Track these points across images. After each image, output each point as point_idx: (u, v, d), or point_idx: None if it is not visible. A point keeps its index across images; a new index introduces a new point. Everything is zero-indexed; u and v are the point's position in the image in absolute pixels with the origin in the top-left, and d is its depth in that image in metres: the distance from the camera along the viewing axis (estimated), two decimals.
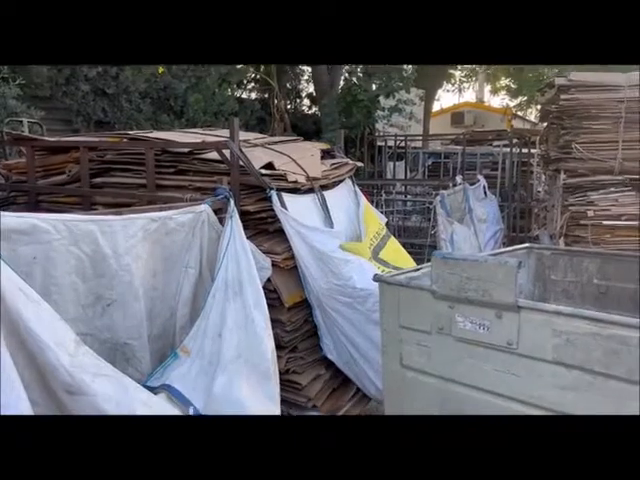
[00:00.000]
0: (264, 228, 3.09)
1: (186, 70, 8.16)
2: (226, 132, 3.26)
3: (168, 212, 2.32)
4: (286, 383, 2.95)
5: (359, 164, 4.39)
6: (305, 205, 3.21)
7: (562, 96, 5.07)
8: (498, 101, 22.00)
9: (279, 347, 2.76)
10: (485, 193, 6.38)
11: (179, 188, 3.13)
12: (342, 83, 10.85)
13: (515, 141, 8.24)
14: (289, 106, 11.91)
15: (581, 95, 5.02)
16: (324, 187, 3.49)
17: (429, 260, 2.25)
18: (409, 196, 8.35)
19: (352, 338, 3.05)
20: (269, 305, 2.39)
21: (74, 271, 1.98)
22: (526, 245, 3.16)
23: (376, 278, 2.42)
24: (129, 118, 7.42)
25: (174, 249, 2.35)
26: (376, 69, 9.84)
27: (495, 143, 9.51)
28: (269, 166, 3.13)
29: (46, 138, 3.94)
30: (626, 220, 4.99)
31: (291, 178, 3.11)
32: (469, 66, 18.60)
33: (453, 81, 20.15)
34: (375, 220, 3.82)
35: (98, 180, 3.44)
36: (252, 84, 11.89)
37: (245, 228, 2.50)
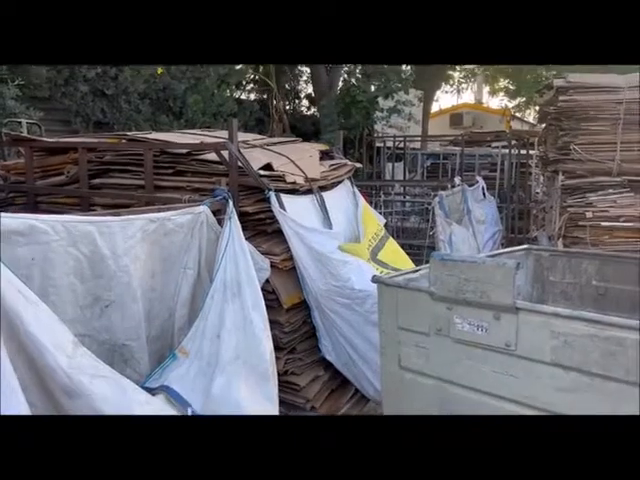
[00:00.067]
0: (263, 229, 3.09)
1: (185, 71, 8.16)
2: (225, 133, 3.26)
3: (167, 213, 2.32)
4: (284, 384, 2.95)
5: (358, 165, 4.39)
6: (304, 206, 3.21)
7: (561, 97, 5.07)
8: (497, 102, 22.04)
9: (278, 348, 2.76)
10: (484, 194, 6.39)
11: (178, 189, 3.13)
12: (341, 84, 10.86)
13: (514, 142, 8.25)
14: (288, 107, 11.92)
15: (579, 96, 5.02)
16: (323, 188, 3.49)
17: (428, 261, 2.26)
18: (408, 197, 8.35)
19: (351, 339, 3.05)
20: (268, 306, 2.39)
21: (72, 272, 1.98)
22: (524, 246, 3.16)
23: (374, 279, 2.42)
24: (128, 119, 7.42)
25: (173, 250, 2.35)
26: (375, 70, 9.84)
27: (494, 144, 9.51)
28: (268, 167, 3.13)
29: (45, 139, 3.94)
30: (624, 221, 5.00)
31: (290, 179, 3.11)
32: (468, 67, 18.62)
33: (452, 82, 20.15)
34: (374, 221, 3.83)
35: (97, 181, 3.44)
36: (251, 85, 11.89)
37: (244, 229, 2.50)
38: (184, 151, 3.18)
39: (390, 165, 10.09)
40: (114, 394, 1.73)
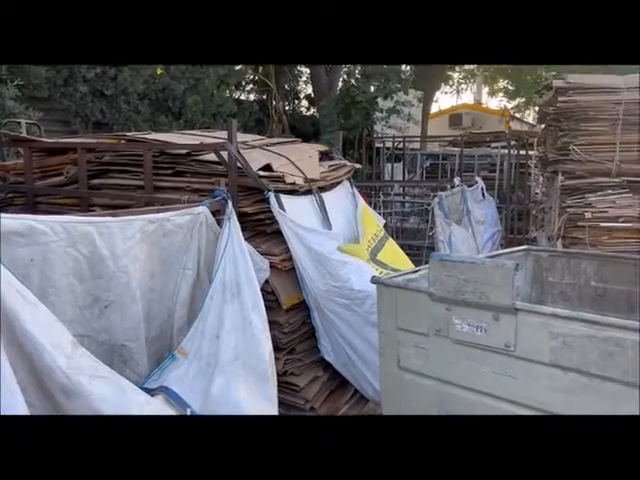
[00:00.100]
0: (262, 230, 3.09)
1: (184, 71, 8.15)
2: (224, 134, 3.26)
3: (166, 214, 2.32)
4: (284, 385, 2.95)
5: (357, 166, 4.39)
6: (303, 207, 3.21)
7: (560, 98, 5.08)
8: (496, 103, 22.02)
9: (277, 349, 2.76)
10: (483, 195, 6.39)
11: (177, 190, 3.13)
12: (340, 85, 10.85)
13: (513, 143, 8.26)
14: (287, 108, 11.91)
15: (579, 97, 5.03)
16: (322, 189, 3.49)
17: (427, 262, 2.26)
18: (407, 198, 8.34)
19: (350, 340, 3.05)
20: (267, 307, 2.39)
21: (71, 273, 1.98)
22: (524, 247, 3.17)
23: (374, 280, 2.43)
24: (127, 119, 7.41)
25: (172, 251, 2.35)
26: (374, 71, 9.84)
27: (493, 145, 9.51)
28: (267, 168, 3.13)
29: (44, 139, 3.94)
30: (623, 222, 5.01)
31: (289, 180, 3.11)
32: (467, 68, 18.62)
33: (451, 83, 20.16)
34: (373, 222, 3.83)
35: (96, 182, 3.44)
36: (250, 86, 11.88)
37: (243, 230, 2.50)
38: (183, 152, 3.18)
39: (389, 166, 10.08)
40: (113, 395, 1.73)
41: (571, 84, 5.03)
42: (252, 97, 11.69)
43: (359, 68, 10.33)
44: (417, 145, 11.38)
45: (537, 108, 7.41)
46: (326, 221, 3.30)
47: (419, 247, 6.03)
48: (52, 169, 3.63)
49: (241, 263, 2.33)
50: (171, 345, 2.36)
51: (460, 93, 21.78)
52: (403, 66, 10.48)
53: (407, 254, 3.94)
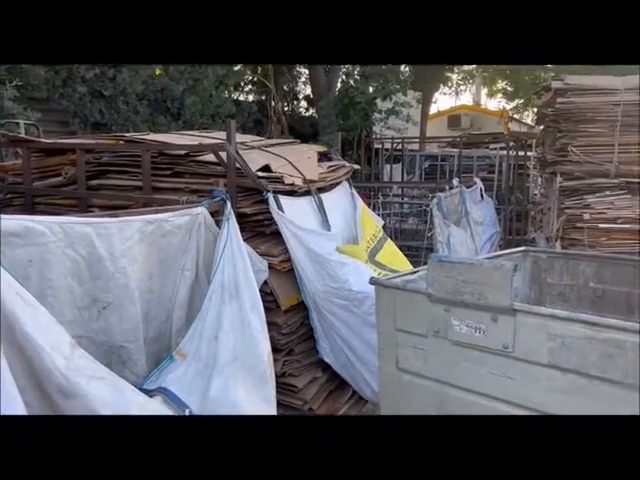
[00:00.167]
0: (261, 230, 3.09)
1: (183, 72, 8.15)
2: (223, 134, 3.26)
3: (164, 214, 2.32)
4: (282, 386, 2.95)
5: (356, 166, 4.40)
6: (302, 208, 3.21)
7: (558, 99, 5.09)
8: (495, 104, 22.04)
9: (275, 350, 2.76)
10: (482, 196, 6.40)
11: (176, 190, 3.13)
12: (339, 85, 10.86)
13: (512, 144, 8.26)
14: (286, 108, 11.91)
15: (577, 98, 5.04)
16: (321, 189, 3.49)
17: (426, 263, 2.26)
18: (406, 199, 8.34)
19: (348, 341, 3.05)
20: (265, 308, 2.39)
21: (70, 273, 1.97)
22: (522, 248, 3.17)
23: (372, 281, 2.42)
24: (126, 120, 7.40)
25: (170, 251, 2.35)
26: (373, 71, 9.84)
27: (492, 146, 9.53)
28: (266, 168, 3.13)
29: (42, 140, 3.94)
30: (622, 223, 5.01)
31: (288, 180, 3.11)
32: (466, 69, 18.64)
33: (450, 84, 20.17)
34: (372, 222, 3.83)
35: (94, 182, 3.43)
36: (249, 86, 11.88)
37: (242, 230, 2.50)
38: (182, 152, 3.18)
39: (388, 167, 10.08)
40: (112, 396, 1.73)
41: (569, 85, 5.04)
42: (251, 98, 11.69)
43: (358, 69, 10.34)
44: (416, 146, 11.38)
45: (536, 109, 7.42)
46: (325, 222, 3.30)
47: (418, 248, 6.03)
48: (51, 170, 3.62)
49: (240, 264, 2.33)
50: (169, 346, 2.35)
51: (459, 94, 21.79)
52: (402, 67, 10.50)
53: (406, 255, 3.94)
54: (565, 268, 2.95)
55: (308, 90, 12.22)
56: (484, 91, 22.33)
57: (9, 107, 5.42)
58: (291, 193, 3.14)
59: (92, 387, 1.67)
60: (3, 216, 1.75)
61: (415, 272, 2.56)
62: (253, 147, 3.47)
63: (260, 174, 3.03)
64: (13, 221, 1.79)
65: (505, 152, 8.22)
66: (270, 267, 2.87)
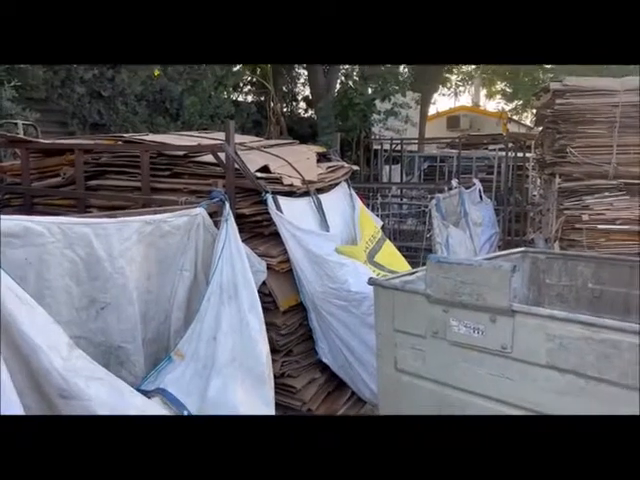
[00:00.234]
0: (259, 231, 3.09)
1: (182, 73, 8.15)
2: (222, 135, 3.26)
3: (163, 215, 2.32)
4: (281, 387, 2.95)
5: (355, 167, 4.39)
6: (301, 208, 3.21)
7: (557, 100, 5.09)
8: (494, 105, 22.07)
9: (274, 351, 2.76)
10: (480, 197, 6.40)
11: (174, 191, 3.13)
12: (338, 86, 10.86)
13: (510, 145, 8.26)
14: (285, 109, 11.92)
15: (576, 100, 5.04)
16: (320, 190, 3.49)
17: (424, 264, 2.26)
18: (405, 199, 8.35)
19: (347, 341, 3.05)
20: (264, 308, 2.39)
21: (68, 274, 1.97)
22: (521, 249, 3.17)
23: (371, 282, 2.42)
24: (125, 120, 7.40)
25: (169, 252, 2.34)
26: (372, 72, 9.85)
27: (491, 147, 9.54)
28: (265, 169, 3.13)
29: (41, 140, 3.93)
30: (621, 224, 5.01)
31: (287, 181, 3.11)
32: (465, 70, 18.65)
33: (449, 85, 20.19)
34: (371, 223, 3.83)
35: (93, 183, 3.43)
36: (248, 87, 11.89)
37: (240, 231, 2.50)
38: (181, 153, 3.18)
39: (387, 167, 10.09)
40: (110, 397, 1.72)
41: (568, 86, 5.04)
42: (250, 98, 11.70)
43: (357, 70, 10.34)
44: (415, 147, 11.39)
45: (534, 110, 7.41)
46: (324, 223, 3.30)
47: (416, 249, 6.03)
48: (49, 170, 3.62)
49: (238, 265, 2.33)
50: (168, 347, 2.35)
51: (458, 95, 21.81)
52: (401, 68, 10.50)
53: (404, 256, 3.94)
54: (564, 269, 2.95)
55: (307, 91, 12.24)
56: (483, 92, 22.37)
57: (7, 107, 5.42)
58: (290, 194, 3.14)
59: (90, 388, 1.66)
60: (2, 216, 1.75)
61: (414, 273, 2.56)
62: (252, 148, 3.47)
63: (259, 175, 3.03)
64: (12, 221, 1.78)
65: (504, 153, 8.22)
66: (269, 268, 2.87)
